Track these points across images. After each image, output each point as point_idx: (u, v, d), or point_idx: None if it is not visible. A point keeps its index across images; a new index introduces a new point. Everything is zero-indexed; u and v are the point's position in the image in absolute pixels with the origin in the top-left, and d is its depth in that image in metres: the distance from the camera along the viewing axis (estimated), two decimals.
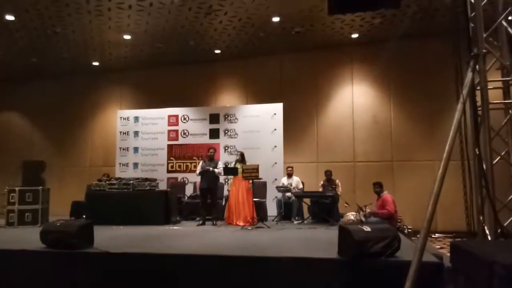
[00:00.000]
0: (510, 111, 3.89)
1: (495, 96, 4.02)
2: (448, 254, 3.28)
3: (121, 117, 10.67)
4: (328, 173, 8.27)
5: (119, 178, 8.11)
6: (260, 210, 7.75)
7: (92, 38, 9.41)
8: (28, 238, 5.11)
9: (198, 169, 7.73)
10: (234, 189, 7.51)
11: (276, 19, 8.51)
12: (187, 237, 5.67)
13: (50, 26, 8.74)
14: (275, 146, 9.50)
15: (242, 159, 7.70)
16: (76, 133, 11.79)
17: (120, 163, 10.47)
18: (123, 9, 7.99)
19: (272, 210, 8.41)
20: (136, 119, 10.54)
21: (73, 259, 4.10)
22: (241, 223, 7.09)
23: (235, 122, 9.97)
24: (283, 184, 8.42)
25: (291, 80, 10.29)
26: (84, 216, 7.65)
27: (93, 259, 4.08)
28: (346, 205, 7.71)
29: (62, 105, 11.82)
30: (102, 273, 4.00)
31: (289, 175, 8.53)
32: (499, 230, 3.54)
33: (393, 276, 3.23)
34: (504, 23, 3.92)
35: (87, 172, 11.23)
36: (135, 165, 10.36)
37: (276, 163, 9.38)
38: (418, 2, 7.79)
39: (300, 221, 7.78)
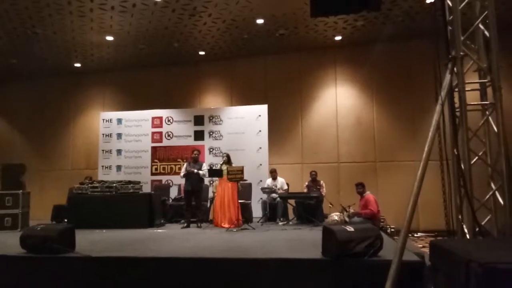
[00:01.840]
0: (487, 112, 3.98)
1: (472, 97, 4.11)
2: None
3: (103, 119, 10.53)
4: (313, 174, 8.33)
5: (102, 181, 8.00)
6: (245, 212, 7.74)
7: (73, 39, 9.27)
8: (8, 243, 5.00)
9: (183, 171, 7.70)
10: (220, 190, 7.47)
11: (260, 21, 8.53)
12: (172, 240, 5.63)
13: (30, 27, 8.58)
14: (260, 148, 9.51)
15: (228, 160, 7.67)
16: (58, 135, 11.58)
17: (102, 166, 10.33)
18: (106, 10, 7.89)
19: (257, 211, 8.43)
20: (119, 121, 10.42)
21: (54, 264, 4.02)
22: (227, 225, 7.07)
23: (220, 124, 9.95)
24: (268, 185, 8.45)
25: (275, 81, 10.34)
26: (65, 220, 7.53)
27: (75, 264, 4.02)
28: (331, 205, 7.79)
29: (43, 107, 11.61)
30: (84, 278, 3.94)
31: (274, 177, 8.56)
32: (477, 229, 3.62)
33: (376, 276, 3.27)
34: (481, 26, 4.02)
35: (68, 175, 11.04)
36: (118, 167, 10.23)
37: (261, 164, 9.40)
38: (399, 6, 7.93)
39: (285, 222, 7.81)
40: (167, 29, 8.85)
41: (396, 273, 2.83)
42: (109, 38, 9.23)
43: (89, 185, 7.68)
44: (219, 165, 7.81)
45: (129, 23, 8.49)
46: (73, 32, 8.89)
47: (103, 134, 10.46)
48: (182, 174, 7.70)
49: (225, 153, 7.94)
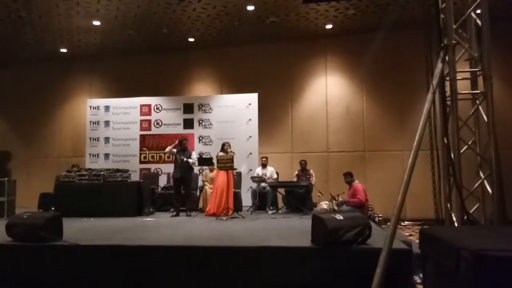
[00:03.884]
0: (477, 101, 4.01)
1: (463, 86, 4.13)
2: (417, 241, 3.37)
3: (90, 106, 10.34)
4: (302, 163, 8.34)
5: (89, 169, 7.89)
6: (235, 201, 7.71)
7: (59, 23, 9.04)
8: None
9: (168, 149, 7.64)
10: (219, 179, 7.29)
11: (250, 7, 8.42)
12: (161, 228, 5.59)
13: (14, 10, 8.33)
14: (250, 137, 9.46)
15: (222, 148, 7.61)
16: (44, 122, 11.37)
17: (90, 154, 10.18)
18: None
19: (247, 200, 8.43)
20: (107, 108, 10.25)
21: (41, 252, 3.97)
22: (223, 213, 6.95)
23: (209, 112, 9.86)
24: (258, 174, 8.44)
25: (266, 70, 10.25)
26: (52, 209, 7.43)
27: (62, 252, 3.97)
28: (320, 194, 7.82)
29: (29, 93, 11.35)
30: (72, 266, 3.89)
31: (264, 165, 8.56)
32: (465, 217, 3.67)
33: (365, 263, 3.29)
34: (473, 15, 4.02)
35: (55, 163, 10.88)
36: (106, 155, 10.09)
37: (251, 153, 9.37)
38: None
39: (274, 211, 7.83)
40: (156, 15, 8.67)
41: (386, 260, 2.85)
42: (96, 22, 9.01)
43: (76, 173, 7.58)
44: (220, 153, 7.61)
45: (116, 7, 8.29)
46: (59, 16, 8.65)
47: (90, 122, 10.28)
48: (167, 150, 7.71)
49: (226, 142, 7.76)
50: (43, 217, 4.25)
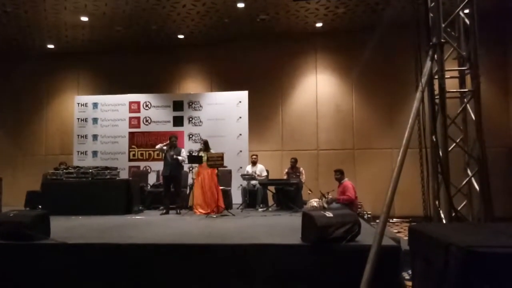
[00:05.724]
0: (465, 99, 4.05)
1: (451, 85, 4.17)
2: (406, 238, 3.39)
3: (78, 103, 10.22)
4: (292, 161, 8.34)
5: (77, 166, 7.80)
6: (225, 198, 7.68)
7: (46, 19, 8.90)
8: None
9: (159, 146, 7.60)
10: (200, 177, 7.30)
11: (241, 5, 8.39)
12: (150, 226, 5.55)
13: (0, 5, 8.17)
14: (240, 134, 9.46)
15: (206, 147, 7.55)
16: (31, 120, 11.19)
17: (78, 151, 10.07)
18: None
19: (237, 198, 8.42)
20: (95, 105, 10.13)
21: (28, 251, 3.90)
22: (208, 211, 6.93)
23: (199, 110, 9.82)
24: (248, 172, 8.43)
25: (256, 68, 10.23)
26: (39, 207, 7.32)
27: (50, 251, 3.91)
28: (310, 192, 7.84)
29: (15, 90, 11.15)
30: (59, 265, 3.84)
31: (254, 163, 8.55)
32: (453, 214, 3.71)
33: (354, 260, 3.31)
34: (461, 14, 4.06)
35: (42, 161, 10.72)
36: (95, 153, 9.99)
37: (241, 151, 9.36)
38: None
39: (264, 209, 7.84)
40: (145, 11, 8.59)
41: (375, 257, 2.87)
42: (84, 18, 8.90)
43: (64, 171, 7.47)
44: (197, 152, 7.65)
45: (105, 3, 8.19)
46: (46, 11, 8.52)
47: (78, 119, 10.17)
48: (157, 147, 7.68)
49: (203, 139, 7.82)
50: (30, 215, 4.18)
